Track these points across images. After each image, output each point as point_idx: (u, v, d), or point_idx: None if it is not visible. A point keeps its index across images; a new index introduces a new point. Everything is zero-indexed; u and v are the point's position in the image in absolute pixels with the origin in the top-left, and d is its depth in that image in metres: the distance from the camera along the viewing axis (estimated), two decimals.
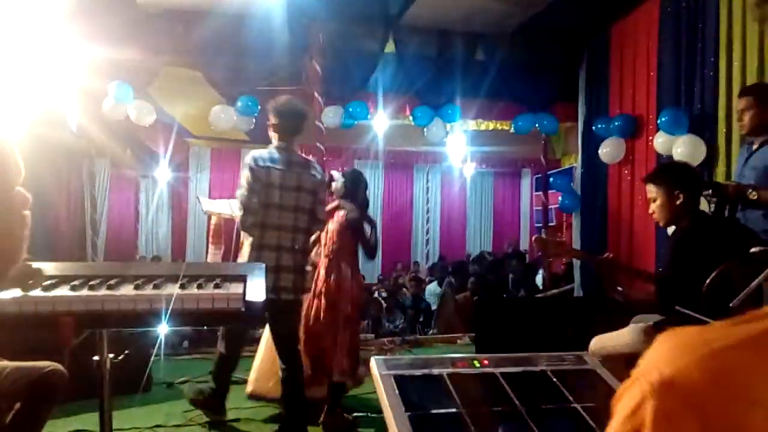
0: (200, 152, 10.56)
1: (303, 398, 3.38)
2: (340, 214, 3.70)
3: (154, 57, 5.64)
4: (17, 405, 2.10)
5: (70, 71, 4.90)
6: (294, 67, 6.04)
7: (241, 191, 3.32)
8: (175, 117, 7.30)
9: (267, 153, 3.41)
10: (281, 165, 3.37)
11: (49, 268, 1.76)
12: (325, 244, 3.75)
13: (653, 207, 2.81)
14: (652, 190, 2.80)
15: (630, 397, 0.52)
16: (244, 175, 3.34)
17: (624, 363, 2.68)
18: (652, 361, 0.52)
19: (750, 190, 3.03)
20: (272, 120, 3.48)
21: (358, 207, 3.74)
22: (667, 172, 2.92)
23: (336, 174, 3.83)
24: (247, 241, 3.52)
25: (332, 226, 3.72)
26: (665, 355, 0.51)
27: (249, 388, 3.87)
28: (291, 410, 3.37)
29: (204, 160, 10.76)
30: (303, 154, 3.67)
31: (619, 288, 2.76)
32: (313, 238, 3.68)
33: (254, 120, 6.27)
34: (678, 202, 2.72)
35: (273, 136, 3.48)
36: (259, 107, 6.03)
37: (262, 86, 6.05)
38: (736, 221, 3.10)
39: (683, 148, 4.51)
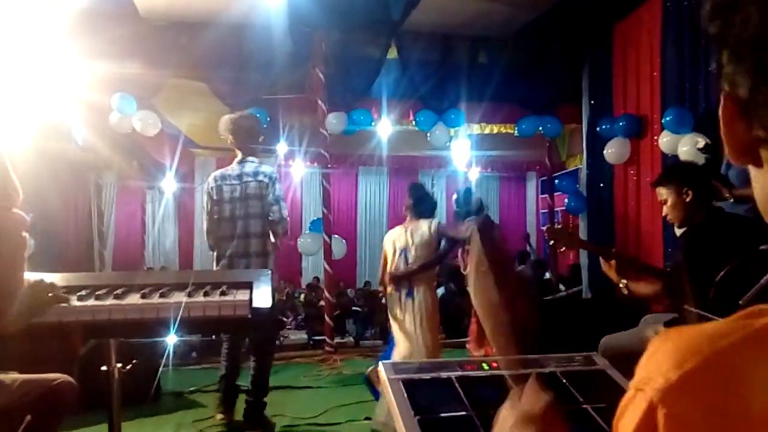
0: (206, 162, 10.59)
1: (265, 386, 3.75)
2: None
3: (159, 69, 5.66)
4: (28, 417, 2.10)
5: (76, 85, 4.93)
6: (297, 76, 6.07)
7: (204, 217, 3.79)
8: (181, 128, 7.33)
9: (220, 172, 3.84)
10: (232, 180, 3.76)
11: (56, 279, 1.76)
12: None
13: (666, 209, 2.80)
14: (662, 192, 2.79)
15: (635, 409, 0.48)
16: (204, 200, 3.81)
17: (635, 363, 2.66)
18: (653, 369, 0.49)
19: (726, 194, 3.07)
20: (230, 138, 3.86)
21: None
22: (673, 172, 2.92)
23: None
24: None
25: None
26: (667, 360, 0.48)
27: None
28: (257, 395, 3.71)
29: (209, 170, 10.67)
30: (257, 162, 3.90)
31: (624, 281, 2.73)
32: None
33: None
34: (688, 200, 2.70)
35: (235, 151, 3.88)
36: (269, 118, 6.14)
37: (266, 95, 6.07)
38: (755, 217, 3.08)
39: (689, 147, 4.50)
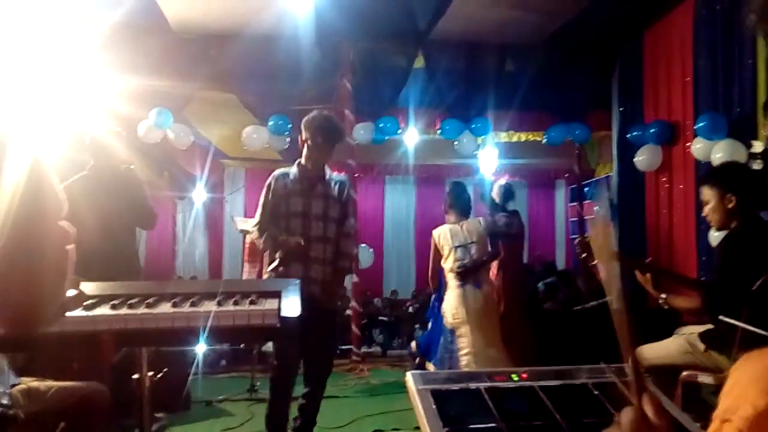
0: (235, 173, 10.71)
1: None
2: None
3: (189, 81, 5.76)
4: (62, 425, 2.14)
5: (108, 97, 5.04)
6: (325, 86, 6.11)
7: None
8: (210, 139, 7.43)
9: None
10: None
11: (89, 288, 1.79)
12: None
13: (706, 210, 2.69)
14: (705, 192, 2.67)
15: None
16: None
17: (668, 374, 2.60)
18: (738, 398, 0.47)
19: None
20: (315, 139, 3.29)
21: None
22: (720, 173, 2.78)
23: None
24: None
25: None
26: (753, 387, 0.46)
27: None
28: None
29: (238, 180, 10.90)
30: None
31: (663, 296, 2.67)
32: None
33: (288, 140, 6.34)
34: (730, 206, 2.57)
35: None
36: (291, 126, 6.15)
37: (294, 105, 6.13)
38: None
39: (723, 153, 4.40)
